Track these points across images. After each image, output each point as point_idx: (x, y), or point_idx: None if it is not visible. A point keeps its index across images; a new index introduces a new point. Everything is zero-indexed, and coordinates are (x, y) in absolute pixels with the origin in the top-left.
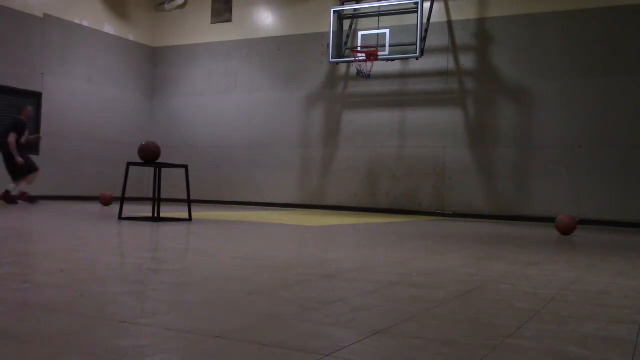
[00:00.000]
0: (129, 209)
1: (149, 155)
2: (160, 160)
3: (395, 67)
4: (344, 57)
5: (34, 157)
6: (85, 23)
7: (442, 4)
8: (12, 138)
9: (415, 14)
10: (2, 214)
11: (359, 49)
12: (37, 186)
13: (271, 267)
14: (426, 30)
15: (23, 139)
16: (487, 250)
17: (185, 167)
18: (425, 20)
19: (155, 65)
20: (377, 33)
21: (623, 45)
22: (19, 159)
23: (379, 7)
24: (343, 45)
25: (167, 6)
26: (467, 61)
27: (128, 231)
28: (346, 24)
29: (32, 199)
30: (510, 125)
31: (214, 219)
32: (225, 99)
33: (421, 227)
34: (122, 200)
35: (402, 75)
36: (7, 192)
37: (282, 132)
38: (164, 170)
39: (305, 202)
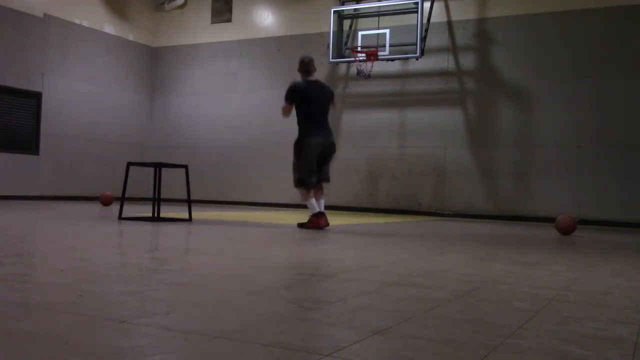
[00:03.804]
0: (129, 209)
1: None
2: (160, 160)
3: (395, 67)
4: (344, 57)
5: (33, 157)
6: (85, 23)
7: (442, 4)
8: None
9: (415, 14)
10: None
11: (359, 49)
12: (37, 186)
13: (271, 267)
14: (426, 30)
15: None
16: (487, 250)
17: (185, 167)
18: (425, 20)
19: (155, 65)
20: (377, 33)
21: (623, 45)
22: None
23: (379, 7)
24: (343, 45)
25: (167, 6)
26: (467, 61)
27: (128, 231)
28: (346, 24)
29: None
30: (510, 125)
31: (214, 219)
32: (225, 99)
33: (421, 227)
34: (122, 200)
35: (402, 75)
36: (320, 217)
37: (282, 132)
38: (164, 170)
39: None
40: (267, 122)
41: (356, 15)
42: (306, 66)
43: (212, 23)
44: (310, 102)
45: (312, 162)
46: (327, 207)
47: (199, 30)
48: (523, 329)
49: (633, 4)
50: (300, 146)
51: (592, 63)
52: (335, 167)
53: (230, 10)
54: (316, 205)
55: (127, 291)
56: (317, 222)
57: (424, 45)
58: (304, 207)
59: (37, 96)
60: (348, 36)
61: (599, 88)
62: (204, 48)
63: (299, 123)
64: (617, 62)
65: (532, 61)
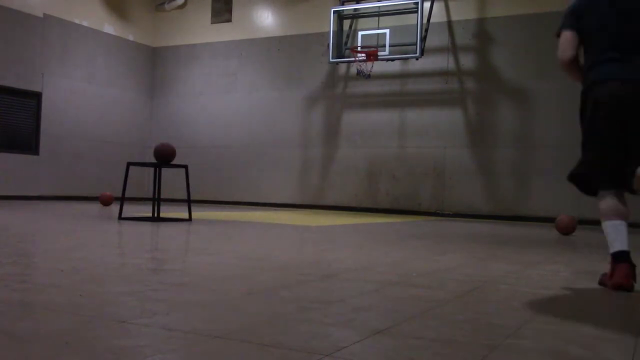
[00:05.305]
0: (129, 209)
1: (163, 157)
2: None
3: (395, 67)
4: (344, 57)
5: (33, 157)
6: (85, 23)
7: (442, 4)
8: None
9: (415, 14)
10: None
11: (359, 49)
12: (37, 186)
13: (271, 267)
14: (426, 30)
15: None
16: (487, 250)
17: (185, 167)
18: (425, 20)
19: (155, 65)
20: (377, 33)
21: None
22: None
23: (379, 7)
24: (343, 45)
25: (167, 6)
26: (467, 61)
27: (128, 231)
28: (346, 24)
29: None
30: (510, 125)
31: (214, 219)
32: (225, 99)
33: (421, 227)
34: (122, 200)
35: (402, 75)
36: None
37: (282, 132)
38: (164, 170)
39: (305, 202)
40: (267, 122)
41: (356, 15)
42: None
43: (212, 23)
44: (605, 18)
45: (604, 136)
46: (327, 208)
47: (199, 30)
48: (523, 329)
49: None
50: (583, 107)
51: None
52: (336, 167)
53: (230, 11)
54: (619, 233)
55: (127, 291)
56: (616, 275)
57: (424, 45)
58: (304, 207)
59: (37, 96)
60: (348, 36)
61: None
62: (204, 48)
63: (585, 63)
64: None
65: (532, 61)
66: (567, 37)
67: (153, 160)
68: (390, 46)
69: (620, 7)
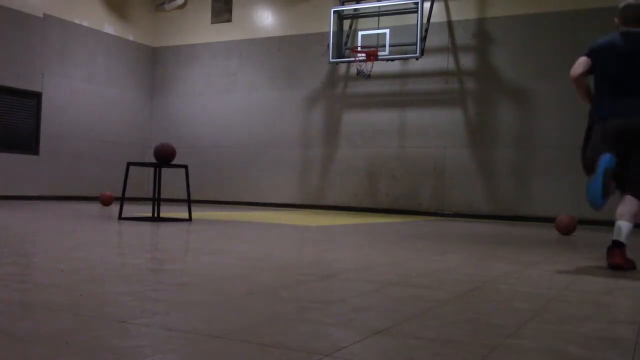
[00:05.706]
0: (129, 209)
1: (163, 157)
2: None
3: (395, 67)
4: (344, 57)
5: (33, 157)
6: (85, 23)
7: (442, 4)
8: None
9: (415, 14)
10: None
11: (359, 49)
12: (37, 186)
13: (271, 267)
14: (426, 30)
15: None
16: (487, 250)
17: (185, 167)
18: (425, 20)
19: (155, 65)
20: (377, 33)
21: None
22: None
23: (379, 7)
24: (343, 45)
25: (167, 6)
26: (467, 61)
27: (128, 231)
28: (346, 24)
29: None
30: (510, 125)
31: (214, 219)
32: (225, 99)
33: (421, 227)
34: (122, 200)
35: (402, 75)
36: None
37: (282, 132)
38: (164, 170)
39: (305, 202)
40: (267, 122)
41: (356, 15)
42: (635, 10)
43: (212, 23)
44: (615, 63)
45: (597, 147)
46: (327, 208)
47: (199, 30)
48: (523, 329)
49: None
50: (588, 134)
51: None
52: (335, 167)
53: (230, 11)
54: (621, 228)
55: (127, 291)
56: (609, 256)
57: (424, 45)
58: (304, 207)
59: (37, 96)
60: (348, 36)
61: None
62: (204, 48)
63: (593, 96)
64: None
65: (532, 61)
66: (582, 60)
67: (153, 160)
68: (390, 46)
69: (620, 55)
